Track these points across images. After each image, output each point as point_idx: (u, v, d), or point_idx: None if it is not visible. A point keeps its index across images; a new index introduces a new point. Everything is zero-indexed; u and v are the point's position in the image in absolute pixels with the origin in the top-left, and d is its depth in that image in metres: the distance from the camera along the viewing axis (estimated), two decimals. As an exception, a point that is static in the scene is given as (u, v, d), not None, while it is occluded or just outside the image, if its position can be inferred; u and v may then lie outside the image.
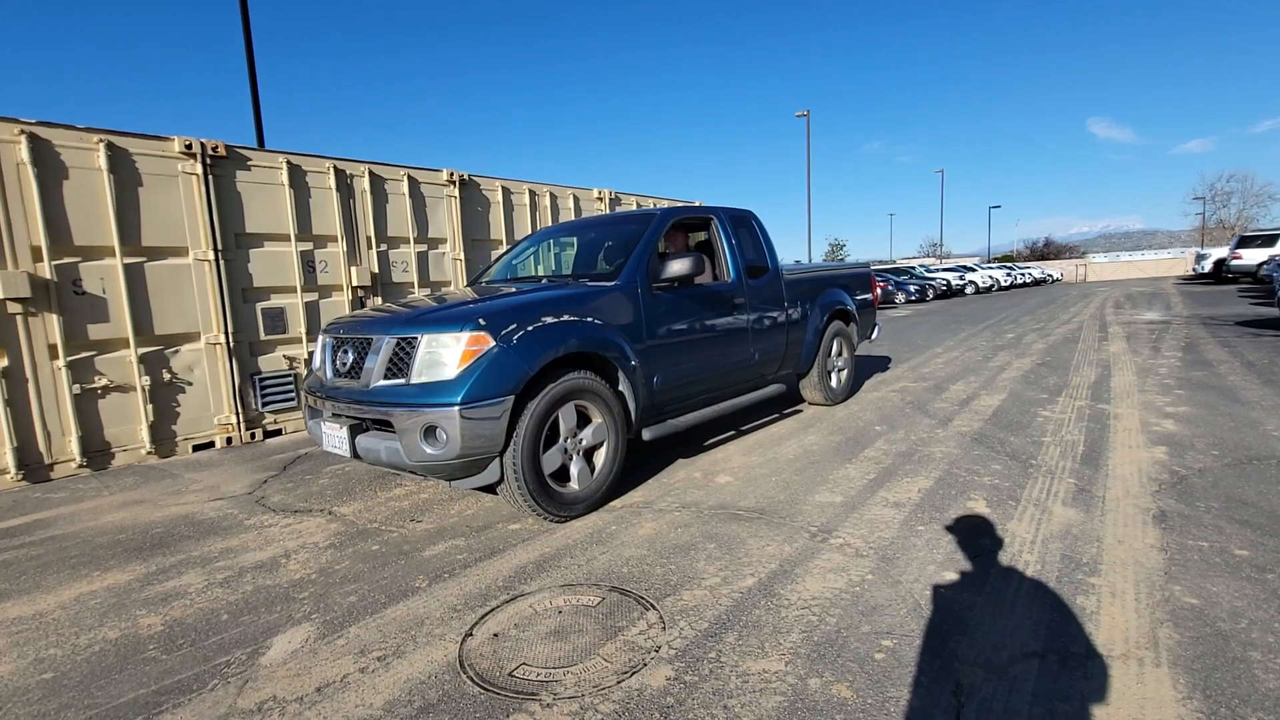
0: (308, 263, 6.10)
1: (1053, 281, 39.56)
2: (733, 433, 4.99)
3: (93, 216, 4.85)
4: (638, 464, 4.26)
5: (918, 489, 3.54)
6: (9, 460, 4.49)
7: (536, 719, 1.82)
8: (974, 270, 31.32)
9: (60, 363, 4.69)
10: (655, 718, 1.80)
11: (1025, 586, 2.42)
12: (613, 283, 3.83)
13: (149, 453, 5.13)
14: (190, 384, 5.38)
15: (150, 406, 5.13)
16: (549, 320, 3.33)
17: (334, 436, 3.36)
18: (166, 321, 5.23)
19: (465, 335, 3.06)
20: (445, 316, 3.27)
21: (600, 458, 3.55)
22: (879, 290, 20.51)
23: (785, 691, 1.88)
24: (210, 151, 5.39)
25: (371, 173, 6.54)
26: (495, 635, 2.27)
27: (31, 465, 4.61)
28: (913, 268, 30.67)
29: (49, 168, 4.65)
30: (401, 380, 3.15)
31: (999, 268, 35.03)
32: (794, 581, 2.55)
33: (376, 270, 6.62)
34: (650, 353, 3.84)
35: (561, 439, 3.36)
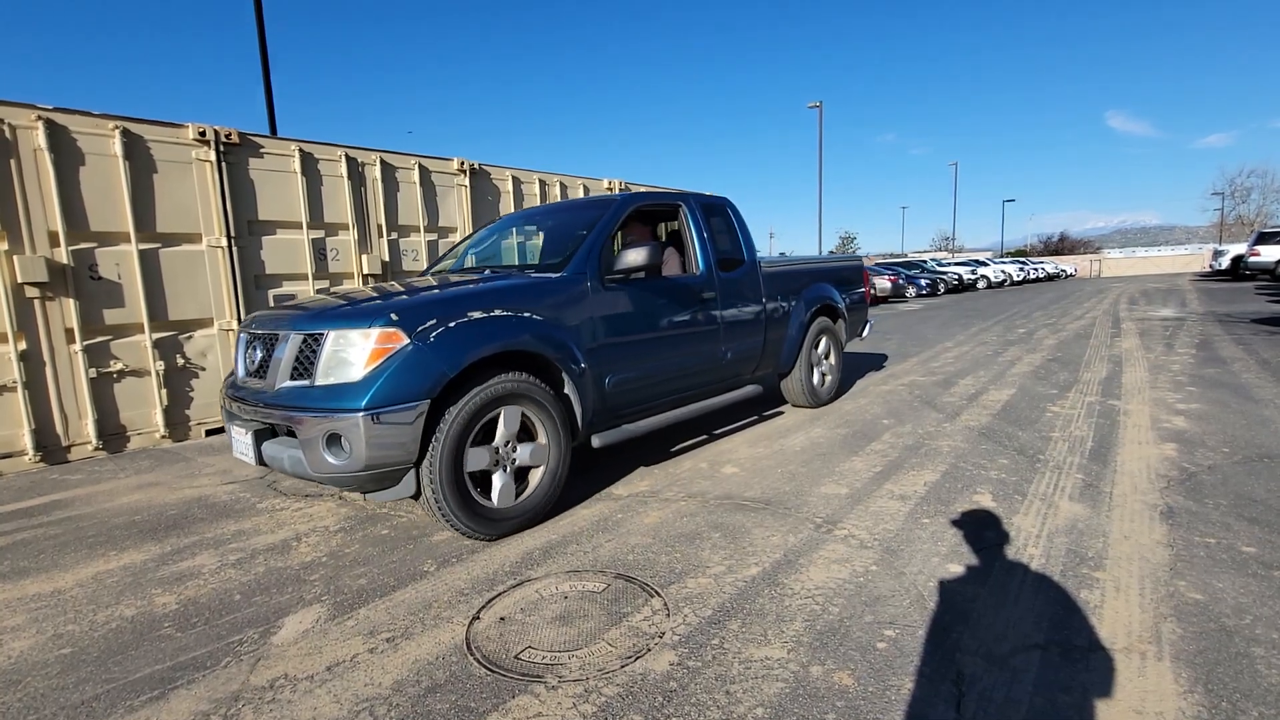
0: (319, 250, 6.15)
1: (1066, 277, 39.16)
2: (740, 424, 5.00)
3: (108, 202, 4.91)
4: (644, 454, 4.28)
5: (923, 482, 3.54)
6: (27, 442, 4.58)
7: (541, 700, 1.86)
8: (986, 265, 31.05)
9: (77, 347, 4.77)
10: (658, 701, 1.83)
11: (1029, 580, 2.43)
12: (558, 274, 3.46)
13: (163, 436, 5.21)
14: (204, 369, 5.46)
15: (164, 391, 5.21)
16: (477, 315, 2.96)
17: (240, 442, 3.02)
18: (180, 307, 5.30)
19: (375, 332, 2.73)
20: (355, 311, 2.94)
21: (537, 472, 3.19)
22: (884, 283, 20.39)
23: (787, 678, 1.90)
24: (224, 139, 5.43)
25: (383, 161, 6.57)
26: (502, 619, 2.31)
27: (49, 447, 4.69)
28: (924, 261, 30.42)
29: (65, 154, 4.70)
30: (307, 381, 2.82)
31: (1012, 262, 34.73)
32: (798, 571, 2.56)
33: (387, 258, 6.66)
34: (601, 351, 3.48)
35: (494, 447, 3.01)
